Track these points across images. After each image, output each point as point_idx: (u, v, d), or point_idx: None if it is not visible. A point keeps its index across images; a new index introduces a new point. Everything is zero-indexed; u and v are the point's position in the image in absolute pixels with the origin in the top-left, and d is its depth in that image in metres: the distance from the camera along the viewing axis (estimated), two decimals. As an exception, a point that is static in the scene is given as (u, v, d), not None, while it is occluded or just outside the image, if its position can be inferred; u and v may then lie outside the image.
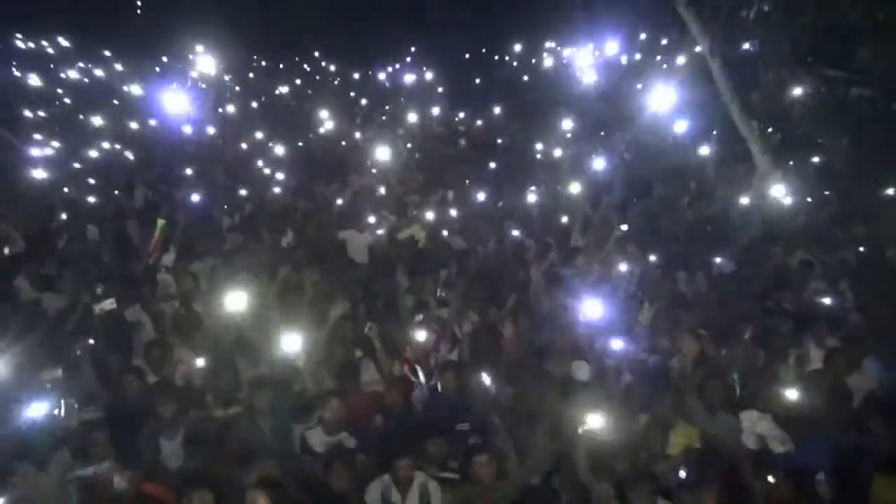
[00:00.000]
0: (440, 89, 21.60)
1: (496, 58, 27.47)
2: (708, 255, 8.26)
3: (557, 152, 12.71)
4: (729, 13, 10.73)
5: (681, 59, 12.92)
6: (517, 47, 26.79)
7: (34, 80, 19.44)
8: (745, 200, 9.83)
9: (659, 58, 16.90)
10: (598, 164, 11.02)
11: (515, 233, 9.00)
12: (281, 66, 27.05)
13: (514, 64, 26.44)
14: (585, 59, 22.22)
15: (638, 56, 20.91)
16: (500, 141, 14.56)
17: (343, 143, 13.85)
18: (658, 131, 12.14)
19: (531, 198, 10.31)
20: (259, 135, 14.16)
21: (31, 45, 25.95)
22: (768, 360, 5.90)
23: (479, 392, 5.34)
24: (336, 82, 24.18)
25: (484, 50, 27.55)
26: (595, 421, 4.43)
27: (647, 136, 12.17)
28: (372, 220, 9.17)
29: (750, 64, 12.01)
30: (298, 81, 23.99)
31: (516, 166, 12.28)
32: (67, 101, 18.86)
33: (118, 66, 23.14)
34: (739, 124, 10.58)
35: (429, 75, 22.40)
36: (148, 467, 4.69)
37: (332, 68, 26.30)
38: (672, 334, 6.18)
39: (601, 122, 14.67)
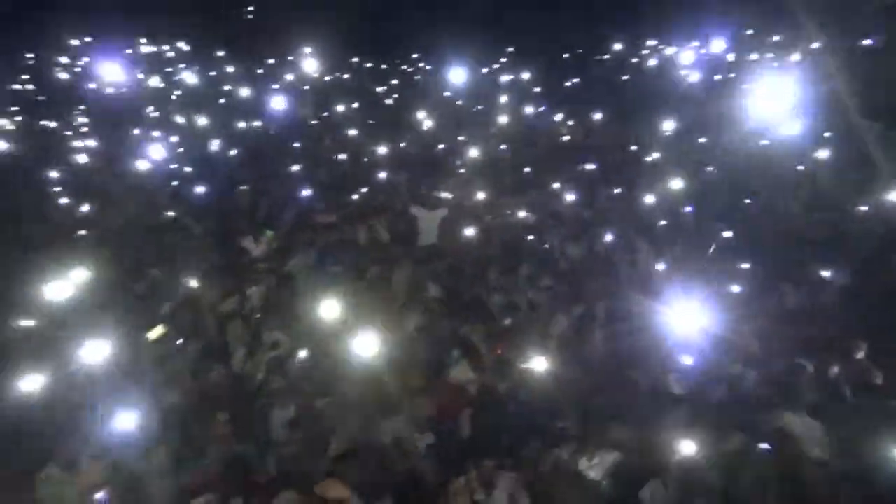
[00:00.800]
0: (537, 89, 21.40)
1: (595, 57, 26.89)
2: (817, 266, 7.71)
3: (657, 154, 12.28)
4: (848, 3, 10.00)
5: (794, 56, 12.15)
6: (617, 46, 26.14)
7: (155, 81, 20.97)
8: (863, 208, 9.11)
9: (770, 55, 16.00)
10: (699, 166, 10.57)
11: (608, 235, 8.75)
12: (382, 66, 27.63)
13: (614, 63, 25.80)
14: (689, 58, 21.41)
15: (748, 54, 19.88)
16: (595, 141, 14.21)
17: (440, 143, 13.93)
18: (765, 133, 11.47)
19: (628, 200, 10.00)
20: (360, 135, 14.47)
21: (154, 49, 27.80)
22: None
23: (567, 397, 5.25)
24: (433, 82, 24.41)
25: (581, 50, 27.02)
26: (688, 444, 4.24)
27: (753, 137, 11.53)
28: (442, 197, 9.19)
29: (872, 59, 11.12)
30: (396, 82, 24.42)
31: (613, 167, 11.92)
32: (182, 101, 20.07)
33: (230, 69, 24.32)
34: (858, 125, 9.83)
35: (525, 75, 22.23)
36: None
37: (430, 68, 26.60)
38: (772, 348, 5.83)
39: (704, 123, 14.04)
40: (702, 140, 13.12)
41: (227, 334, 6.47)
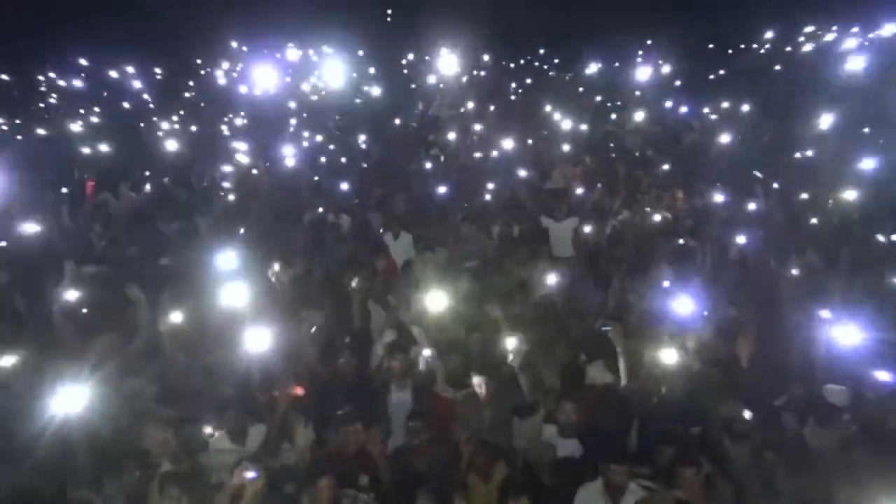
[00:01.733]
0: (677, 83, 20.49)
1: (742, 46, 25.27)
2: None
3: (814, 152, 11.34)
4: None
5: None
6: (768, 34, 24.41)
7: (301, 83, 22.36)
8: None
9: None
10: (867, 165, 9.61)
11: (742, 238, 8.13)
12: (513, 64, 27.64)
13: (763, 52, 24.14)
14: (852, 44, 19.56)
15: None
16: (742, 137, 13.35)
17: (568, 140, 13.71)
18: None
19: (782, 201, 9.33)
20: (494, 133, 14.56)
21: (300, 53, 29.51)
22: None
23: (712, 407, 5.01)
24: (567, 78, 24.08)
25: (728, 39, 25.47)
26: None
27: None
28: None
29: None
30: (529, 80, 24.32)
31: (762, 166, 11.13)
32: (325, 101, 21.17)
33: (370, 69, 25.32)
34: None
35: (666, 68, 21.35)
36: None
37: (562, 64, 26.24)
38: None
39: (871, 118, 12.77)
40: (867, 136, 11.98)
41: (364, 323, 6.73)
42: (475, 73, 25.03)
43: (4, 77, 24.63)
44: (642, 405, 5.40)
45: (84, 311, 6.47)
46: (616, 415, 5.28)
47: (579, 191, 10.35)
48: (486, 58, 26.62)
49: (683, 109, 16.43)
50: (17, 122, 18.51)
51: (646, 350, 5.63)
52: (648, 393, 5.47)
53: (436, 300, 6.16)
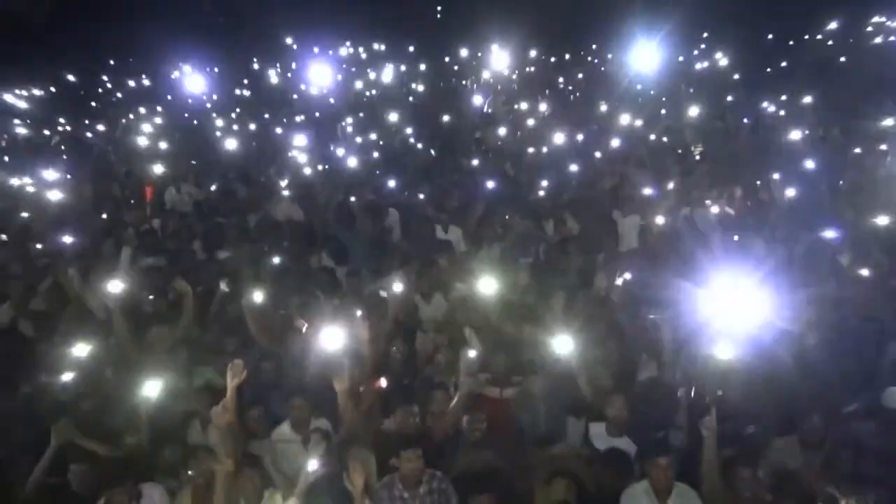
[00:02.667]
0: (736, 76, 19.94)
1: (805, 37, 24.36)
2: None
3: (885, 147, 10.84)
4: None
5: None
6: (833, 24, 23.47)
7: (353, 81, 22.71)
8: None
9: None
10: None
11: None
12: (568, 58, 27.33)
13: (829, 43, 23.21)
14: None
15: None
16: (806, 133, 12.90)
17: (626, 136, 13.49)
18: None
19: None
20: (546, 129, 14.45)
21: (352, 51, 29.91)
22: None
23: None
24: (621, 73, 23.67)
25: (790, 30, 24.58)
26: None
27: None
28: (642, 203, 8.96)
29: None
30: (581, 76, 24.04)
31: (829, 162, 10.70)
32: (377, 98, 21.40)
33: (421, 66, 25.43)
34: None
35: (724, 61, 20.78)
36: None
37: (618, 58, 25.81)
38: None
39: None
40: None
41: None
42: (527, 68, 24.87)
43: (70, 77, 25.79)
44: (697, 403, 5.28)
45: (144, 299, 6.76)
46: (664, 410, 5.17)
47: (640, 186, 10.15)
48: (536, 52, 26.38)
49: (742, 103, 15.98)
50: (83, 121, 19.38)
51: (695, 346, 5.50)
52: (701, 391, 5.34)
53: (487, 296, 6.14)
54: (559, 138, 12.97)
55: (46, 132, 18.17)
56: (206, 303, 6.68)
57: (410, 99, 20.90)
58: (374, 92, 22.44)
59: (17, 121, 18.25)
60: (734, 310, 5.56)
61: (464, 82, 23.34)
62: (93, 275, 7.07)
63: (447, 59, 27.05)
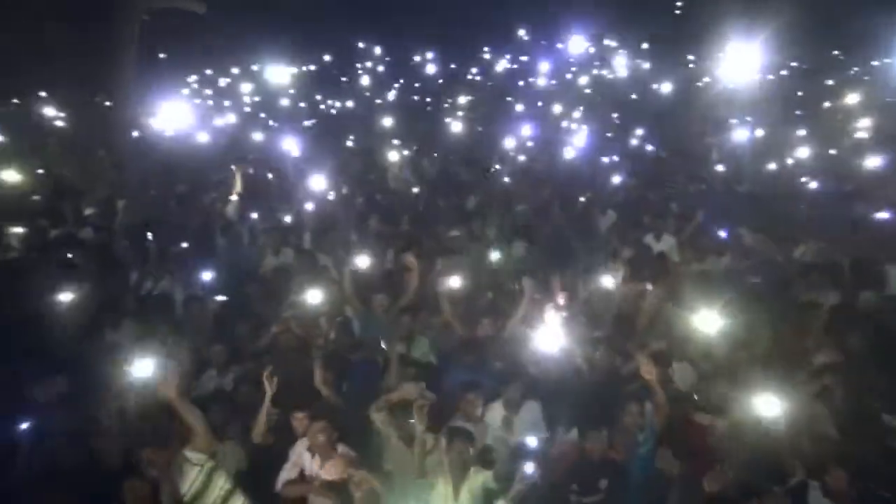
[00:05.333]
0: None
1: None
2: None
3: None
4: None
5: None
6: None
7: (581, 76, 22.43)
8: None
9: None
10: None
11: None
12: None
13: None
14: None
15: None
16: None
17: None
18: None
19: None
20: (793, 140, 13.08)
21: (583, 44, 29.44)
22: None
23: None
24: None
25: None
26: None
27: None
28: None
29: None
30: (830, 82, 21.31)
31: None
32: (603, 95, 20.91)
33: (655, 64, 24.40)
34: None
35: None
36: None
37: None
38: None
39: None
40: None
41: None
42: (772, 74, 22.67)
43: (327, 57, 28.62)
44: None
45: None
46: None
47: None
48: (783, 58, 23.89)
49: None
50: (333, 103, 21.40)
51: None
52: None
53: (707, 317, 5.67)
54: (806, 153, 11.66)
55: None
56: (424, 279, 7.02)
57: (636, 97, 20.15)
58: (603, 88, 21.99)
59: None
60: None
61: (699, 84, 21.94)
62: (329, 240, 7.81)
63: (686, 56, 25.57)
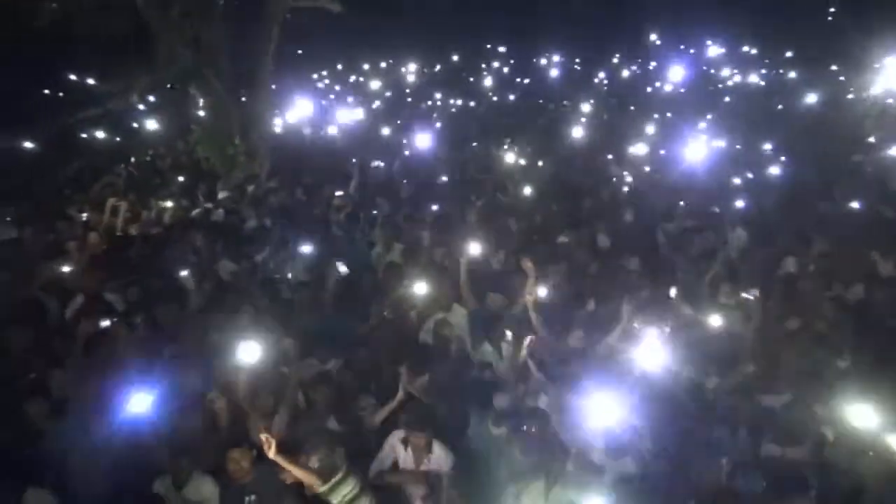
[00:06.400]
0: None
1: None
2: None
3: None
4: None
5: None
6: None
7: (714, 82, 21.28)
8: None
9: None
10: None
11: None
12: None
13: None
14: None
15: None
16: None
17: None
18: None
19: None
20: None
21: (723, 50, 27.98)
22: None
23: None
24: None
25: None
26: None
27: None
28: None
29: None
30: None
31: None
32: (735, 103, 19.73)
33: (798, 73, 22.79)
34: None
35: None
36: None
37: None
38: None
39: None
40: None
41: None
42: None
43: (455, 57, 29.16)
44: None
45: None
46: None
47: None
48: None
49: None
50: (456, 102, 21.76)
51: None
52: None
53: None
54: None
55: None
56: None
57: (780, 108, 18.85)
58: (732, 96, 20.79)
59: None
60: None
61: (851, 96, 20.15)
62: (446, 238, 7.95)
63: (834, 67, 23.63)
